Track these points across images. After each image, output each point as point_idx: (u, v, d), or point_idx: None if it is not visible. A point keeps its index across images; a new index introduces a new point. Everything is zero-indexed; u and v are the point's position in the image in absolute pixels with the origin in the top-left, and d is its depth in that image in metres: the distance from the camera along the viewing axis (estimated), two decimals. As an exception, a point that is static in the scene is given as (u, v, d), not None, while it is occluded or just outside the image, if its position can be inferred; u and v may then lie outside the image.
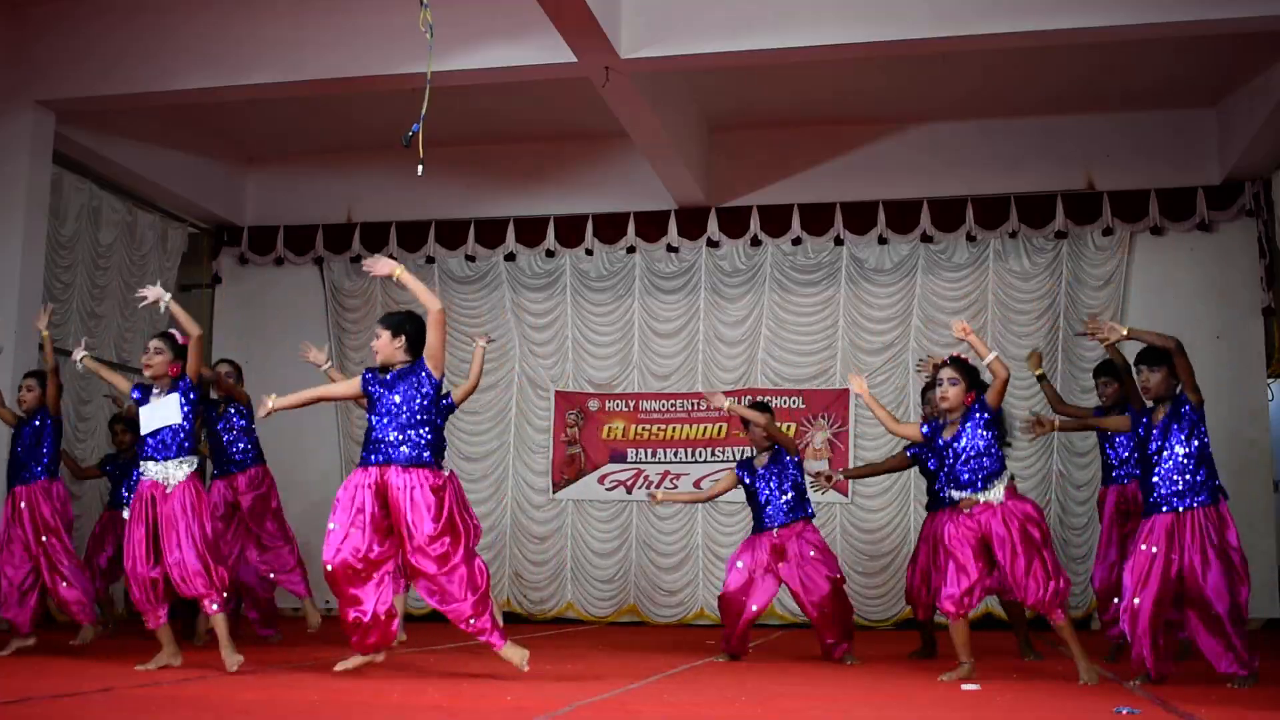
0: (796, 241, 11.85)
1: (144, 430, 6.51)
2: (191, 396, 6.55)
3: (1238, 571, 6.07)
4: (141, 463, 6.55)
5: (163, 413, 6.48)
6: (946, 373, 6.43)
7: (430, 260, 12.52)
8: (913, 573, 8.14)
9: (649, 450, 11.99)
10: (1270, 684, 6.05)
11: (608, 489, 12.02)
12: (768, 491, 7.69)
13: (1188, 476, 6.12)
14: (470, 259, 12.47)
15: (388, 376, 6.04)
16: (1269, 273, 10.89)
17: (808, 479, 7.82)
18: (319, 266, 12.81)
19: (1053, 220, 11.32)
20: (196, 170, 12.23)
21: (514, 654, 5.89)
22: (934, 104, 11.36)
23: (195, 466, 6.57)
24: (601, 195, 12.20)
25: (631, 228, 12.08)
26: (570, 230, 12.20)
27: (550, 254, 12.31)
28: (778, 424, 8.01)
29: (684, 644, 8.48)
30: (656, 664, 7.19)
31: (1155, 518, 6.18)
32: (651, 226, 12.07)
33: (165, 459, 6.48)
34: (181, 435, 6.51)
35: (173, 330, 6.71)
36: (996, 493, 6.30)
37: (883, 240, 11.70)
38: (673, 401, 11.98)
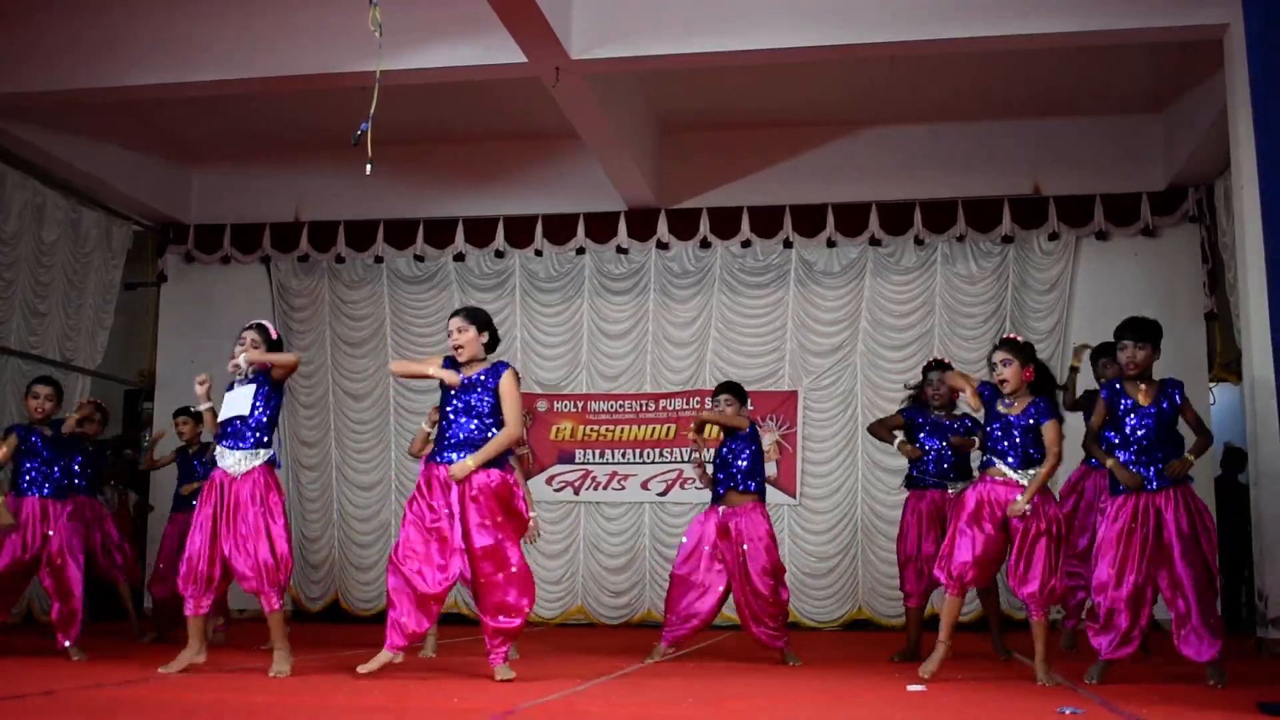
0: (746, 244, 11.89)
1: (220, 417, 6.51)
2: (265, 390, 6.54)
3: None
4: (218, 449, 6.51)
5: (237, 402, 6.48)
6: (1000, 355, 6.43)
7: (379, 260, 12.46)
8: (903, 556, 8.17)
9: (597, 451, 11.98)
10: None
11: (555, 490, 12.00)
12: (721, 464, 7.76)
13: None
14: (419, 259, 12.42)
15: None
16: (1211, 278, 11.03)
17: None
18: (266, 265, 12.72)
19: (999, 224, 11.41)
20: (142, 167, 12.11)
21: None
22: (883, 108, 11.42)
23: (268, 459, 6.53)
24: (551, 196, 12.18)
25: (581, 229, 12.07)
26: (520, 231, 12.17)
27: (499, 254, 12.28)
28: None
29: (632, 646, 8.47)
30: (604, 666, 7.19)
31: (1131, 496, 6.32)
32: (601, 228, 12.06)
33: (236, 448, 6.46)
34: (253, 426, 6.50)
35: (264, 322, 6.70)
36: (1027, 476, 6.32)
37: (831, 243, 11.75)
38: (621, 402, 11.99)
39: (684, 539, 7.90)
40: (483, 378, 6.25)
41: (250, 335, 6.57)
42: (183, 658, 6.35)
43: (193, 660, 6.35)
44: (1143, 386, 6.40)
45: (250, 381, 6.54)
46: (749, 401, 8.02)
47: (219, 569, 6.36)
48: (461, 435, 6.18)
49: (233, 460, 6.42)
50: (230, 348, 6.64)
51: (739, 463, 7.69)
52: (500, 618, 6.14)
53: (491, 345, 6.37)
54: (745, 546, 7.59)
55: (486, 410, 6.21)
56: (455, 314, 6.38)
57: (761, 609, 7.60)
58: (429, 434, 7.24)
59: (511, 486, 6.23)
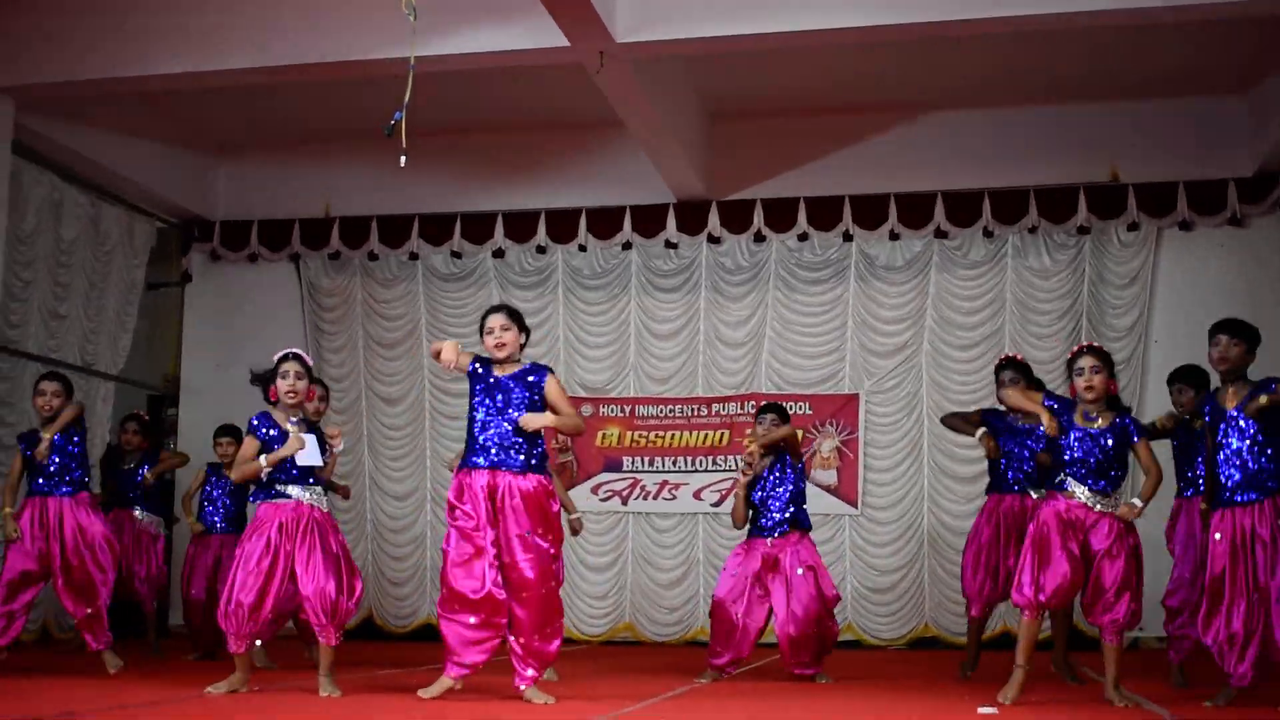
0: (803, 237, 11.83)
1: (302, 462, 6.45)
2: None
3: None
4: (280, 486, 6.46)
5: (311, 453, 6.48)
6: (1089, 360, 6.32)
7: (414, 257, 12.50)
8: (973, 561, 8.09)
9: (646, 458, 11.96)
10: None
11: (602, 499, 11.99)
12: (762, 494, 7.74)
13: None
14: (456, 255, 12.45)
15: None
16: (1304, 271, 10.91)
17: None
18: (295, 263, 12.78)
19: (1075, 214, 11.29)
20: (165, 161, 12.18)
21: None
22: (948, 91, 11.34)
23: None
24: (596, 188, 12.16)
25: (628, 222, 12.05)
26: (562, 225, 12.16)
27: (541, 250, 12.28)
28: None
29: (684, 665, 8.45)
30: (654, 686, 7.17)
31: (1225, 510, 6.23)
32: (649, 221, 12.03)
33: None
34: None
35: (299, 351, 6.69)
36: (1115, 501, 6.25)
37: (894, 236, 11.68)
38: (671, 407, 11.96)
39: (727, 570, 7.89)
40: (530, 378, 6.27)
41: (294, 367, 6.54)
42: (230, 681, 6.36)
43: (237, 689, 6.36)
44: (1231, 390, 6.32)
45: (310, 430, 6.54)
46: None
47: (270, 609, 6.34)
48: (498, 438, 6.19)
49: (312, 495, 6.49)
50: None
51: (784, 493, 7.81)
52: (536, 640, 6.14)
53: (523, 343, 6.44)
54: (799, 572, 7.63)
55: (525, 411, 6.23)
56: (498, 310, 6.39)
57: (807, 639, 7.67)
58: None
59: (551, 494, 6.25)
